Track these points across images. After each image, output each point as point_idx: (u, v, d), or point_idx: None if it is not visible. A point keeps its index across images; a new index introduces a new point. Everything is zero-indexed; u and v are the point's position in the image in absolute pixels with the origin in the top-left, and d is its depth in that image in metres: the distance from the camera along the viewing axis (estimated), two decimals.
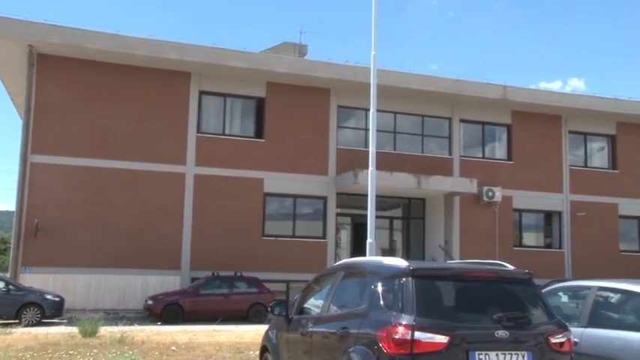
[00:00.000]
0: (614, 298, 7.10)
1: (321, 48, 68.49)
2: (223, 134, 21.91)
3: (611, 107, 25.02)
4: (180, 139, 21.00)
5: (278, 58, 22.07)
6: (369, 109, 13.85)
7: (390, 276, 5.28)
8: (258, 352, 8.03)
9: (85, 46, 19.44)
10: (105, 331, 12.84)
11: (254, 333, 13.30)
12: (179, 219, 20.56)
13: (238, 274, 19.53)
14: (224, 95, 22.01)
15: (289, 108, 22.15)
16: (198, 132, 21.33)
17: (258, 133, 22.24)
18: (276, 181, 21.74)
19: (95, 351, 10.58)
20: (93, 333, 12.61)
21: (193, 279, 20.08)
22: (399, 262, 5.46)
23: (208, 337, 13.32)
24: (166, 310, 17.93)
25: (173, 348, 11.41)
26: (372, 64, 13.40)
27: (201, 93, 21.60)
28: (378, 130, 20.69)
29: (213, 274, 19.50)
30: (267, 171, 21.68)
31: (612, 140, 26.22)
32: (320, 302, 6.41)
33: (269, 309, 7.19)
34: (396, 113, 23.55)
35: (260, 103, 22.32)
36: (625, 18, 68.24)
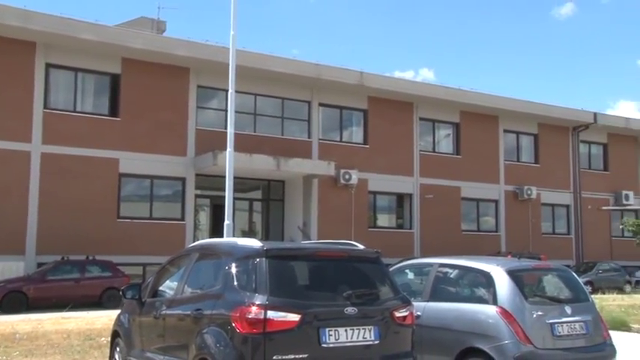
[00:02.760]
0: (453, 273, 7.72)
1: (181, 26, 66.35)
2: (74, 111, 20.62)
3: (456, 97, 26.90)
4: (25, 114, 19.46)
5: (134, 34, 21.11)
6: (229, 90, 13.73)
7: (244, 257, 5.33)
8: (109, 339, 7.75)
9: None
10: None
11: (107, 319, 12.76)
12: (23, 200, 19.12)
13: (91, 257, 18.62)
14: (75, 69, 20.68)
15: (146, 86, 21.33)
16: (45, 108, 19.89)
17: (113, 111, 21.20)
18: (132, 162, 20.90)
19: None
20: None
21: (40, 264, 18.81)
22: (253, 242, 5.53)
23: (55, 325, 12.58)
24: (7, 299, 16.65)
25: (17, 335, 10.65)
26: (231, 45, 13.30)
27: (49, 66, 20.12)
28: (238, 112, 20.60)
29: (62, 258, 18.41)
30: (123, 151, 20.78)
31: (457, 127, 28.21)
32: (174, 284, 6.34)
33: (121, 292, 6.97)
34: (256, 95, 23.57)
35: (115, 79, 21.26)
36: (472, 14, 73.55)
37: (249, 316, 4.86)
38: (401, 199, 26.86)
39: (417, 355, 5.79)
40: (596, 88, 78.03)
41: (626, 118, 33.07)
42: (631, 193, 31.20)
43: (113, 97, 21.30)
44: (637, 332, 13.32)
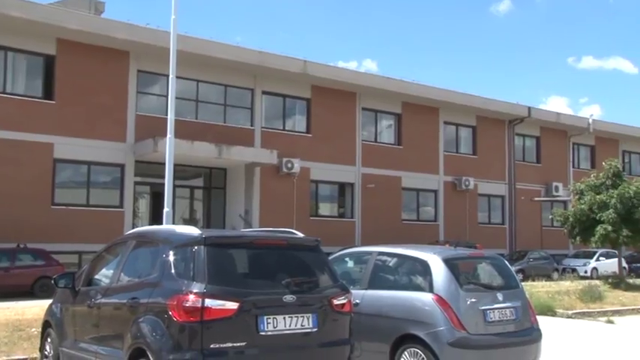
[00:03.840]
0: (391, 261, 7.86)
1: (120, 8, 64.34)
2: (4, 92, 19.75)
3: (398, 88, 27.26)
4: None
5: (69, 13, 20.30)
6: (169, 76, 13.45)
7: (183, 244, 5.27)
8: (40, 329, 7.51)
9: None
10: None
11: (38, 309, 12.31)
12: None
13: (22, 245, 17.95)
14: (4, 49, 19.77)
15: (83, 69, 20.63)
16: None
17: (48, 94, 20.44)
18: (68, 147, 20.22)
19: None
20: None
21: None
22: (191, 230, 5.48)
23: None
24: None
25: None
26: (172, 29, 13.04)
27: None
28: (179, 98, 20.25)
29: None
30: (58, 135, 20.07)
31: (398, 118, 28.62)
32: (110, 272, 6.20)
33: (53, 281, 6.76)
34: (198, 81, 23.20)
35: (49, 61, 20.47)
36: (414, 7, 74.63)
37: (187, 305, 4.81)
38: (343, 188, 27.08)
39: (356, 342, 5.88)
40: (531, 84, 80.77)
41: (557, 113, 34.37)
42: (560, 185, 32.46)
43: (47, 80, 20.52)
44: (561, 317, 13.98)
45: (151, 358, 4.93)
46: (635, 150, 37.92)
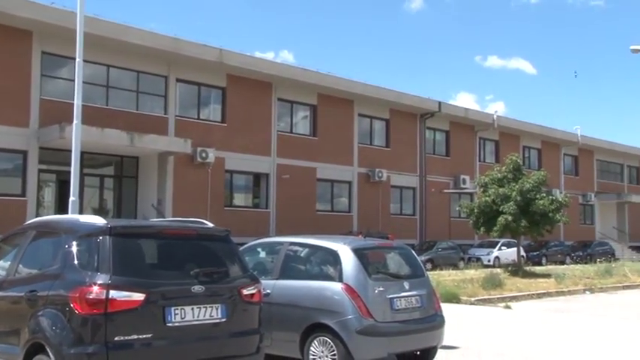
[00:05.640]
0: (302, 252, 7.96)
1: None
2: None
3: (314, 79, 27.43)
4: None
5: None
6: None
7: (87, 234, 5.12)
8: None
9: None
10: None
11: None
12: None
13: None
14: None
15: None
16: None
17: None
18: None
19: None
20: None
21: None
22: (96, 219, 5.32)
23: None
24: None
25: None
26: (79, 9, 12.47)
27: None
28: (88, 83, 19.48)
29: None
30: None
31: (314, 110, 28.82)
32: (7, 264, 5.89)
33: None
34: (109, 66, 22.36)
35: None
36: (332, 1, 75.51)
37: (90, 296, 4.68)
38: (258, 178, 27.01)
39: (266, 332, 5.92)
40: (441, 80, 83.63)
41: (466, 108, 35.79)
42: (468, 178, 33.83)
43: None
44: (465, 303, 14.68)
45: (50, 353, 4.75)
46: (534, 146, 40.13)
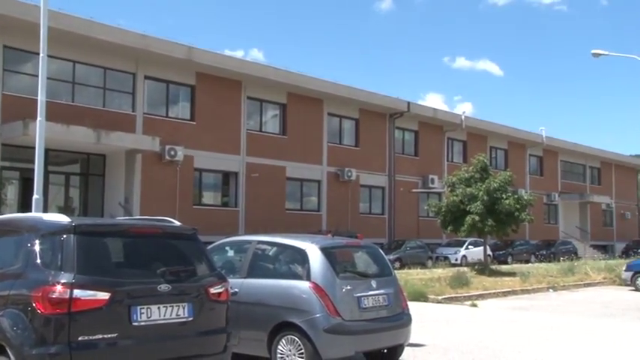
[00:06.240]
0: (270, 250, 7.97)
1: None
2: None
3: (284, 78, 27.39)
4: None
5: None
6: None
7: (50, 233, 5.04)
8: None
9: None
10: None
11: None
12: None
13: None
14: None
15: None
16: None
17: None
18: None
19: None
20: None
21: None
22: (60, 217, 5.24)
23: None
24: None
25: None
26: (42, 3, 12.25)
27: None
28: (53, 79, 19.14)
29: None
30: None
31: (284, 108, 28.79)
32: None
33: None
34: (75, 62, 21.97)
35: None
36: (303, 1, 75.51)
37: (53, 296, 4.61)
38: (227, 177, 26.87)
39: (233, 331, 5.91)
40: (410, 80, 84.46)
41: (434, 108, 36.18)
42: (436, 177, 34.16)
43: None
44: (432, 302, 14.86)
45: (10, 354, 4.66)
46: (501, 146, 40.76)
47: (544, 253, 34.53)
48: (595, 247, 43.17)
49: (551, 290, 18.43)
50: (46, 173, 21.24)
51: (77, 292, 4.64)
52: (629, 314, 13.41)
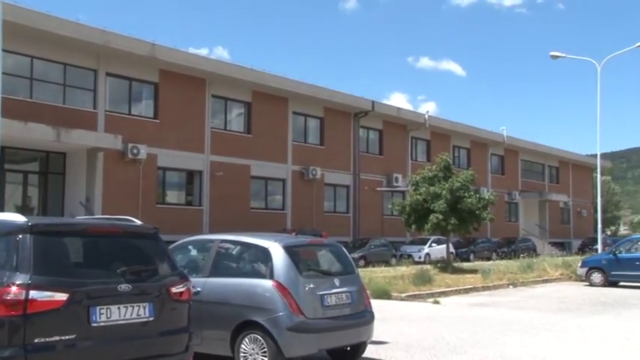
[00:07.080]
0: (233, 249, 7.93)
1: None
2: None
3: (249, 76, 27.28)
4: None
5: None
6: None
7: (5, 233, 4.92)
8: None
9: None
10: None
11: None
12: None
13: None
14: None
15: None
16: None
17: None
18: None
19: None
20: None
21: None
22: (15, 217, 5.13)
23: None
24: None
25: None
26: None
27: None
28: (9, 74, 18.66)
29: None
30: None
31: (249, 107, 28.67)
32: None
33: None
34: (33, 58, 21.49)
35: None
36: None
37: (7, 297, 4.50)
38: (191, 175, 26.64)
39: (196, 330, 5.87)
40: (375, 79, 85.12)
41: (398, 108, 36.53)
42: (400, 176, 34.51)
43: None
44: (396, 299, 15.01)
45: None
46: (464, 145, 41.38)
47: (505, 250, 35.20)
48: (553, 244, 44.21)
49: (511, 287, 18.79)
50: (3, 171, 20.75)
51: (33, 294, 4.55)
52: (584, 308, 13.78)
